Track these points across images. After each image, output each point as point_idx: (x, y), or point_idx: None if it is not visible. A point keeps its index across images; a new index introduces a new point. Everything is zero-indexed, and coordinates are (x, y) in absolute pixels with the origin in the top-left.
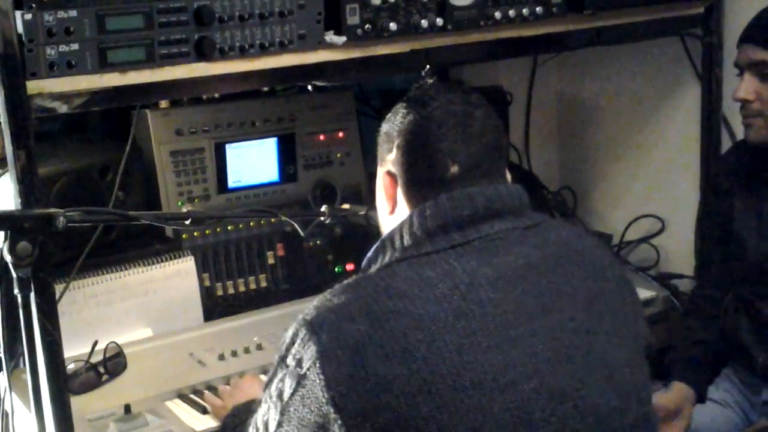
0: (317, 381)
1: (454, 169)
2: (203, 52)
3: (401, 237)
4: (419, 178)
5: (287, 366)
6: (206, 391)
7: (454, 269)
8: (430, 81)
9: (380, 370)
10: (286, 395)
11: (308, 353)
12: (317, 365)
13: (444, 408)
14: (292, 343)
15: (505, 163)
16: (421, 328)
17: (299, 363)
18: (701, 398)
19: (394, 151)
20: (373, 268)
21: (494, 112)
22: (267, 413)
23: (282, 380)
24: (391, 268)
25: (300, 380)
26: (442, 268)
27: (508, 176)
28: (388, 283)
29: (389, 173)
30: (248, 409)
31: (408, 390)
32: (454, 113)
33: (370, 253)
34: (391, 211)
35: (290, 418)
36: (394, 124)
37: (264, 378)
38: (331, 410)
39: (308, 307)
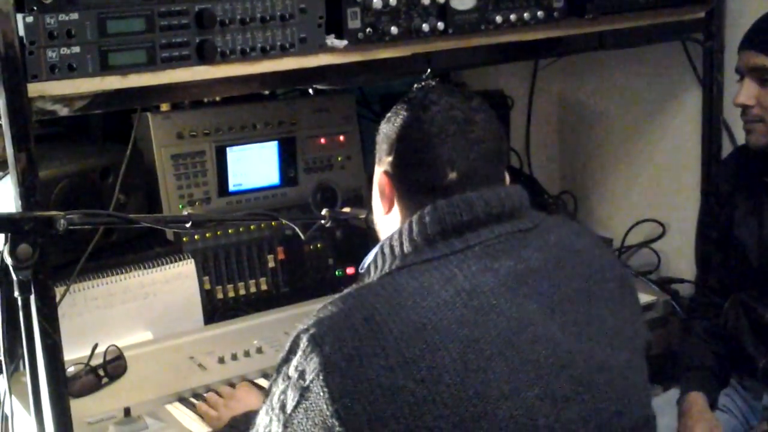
0: (321, 394)
1: (453, 175)
2: (204, 55)
3: (401, 244)
4: (416, 183)
5: (289, 377)
6: (198, 402)
7: (455, 276)
8: (432, 82)
9: (384, 381)
10: (289, 408)
11: (311, 365)
12: (320, 377)
13: (449, 418)
14: (294, 353)
15: (505, 167)
16: (424, 338)
17: (302, 375)
18: (713, 406)
19: (393, 153)
20: (374, 275)
21: (495, 117)
22: (269, 425)
23: (284, 392)
24: (391, 276)
25: (303, 393)
26: (443, 275)
27: (507, 179)
28: (389, 293)
29: (387, 173)
30: (246, 420)
31: (412, 400)
32: (454, 118)
33: (369, 259)
34: (387, 211)
35: (294, 431)
36: (393, 125)
37: (261, 382)
38: (336, 423)
39: (308, 317)
